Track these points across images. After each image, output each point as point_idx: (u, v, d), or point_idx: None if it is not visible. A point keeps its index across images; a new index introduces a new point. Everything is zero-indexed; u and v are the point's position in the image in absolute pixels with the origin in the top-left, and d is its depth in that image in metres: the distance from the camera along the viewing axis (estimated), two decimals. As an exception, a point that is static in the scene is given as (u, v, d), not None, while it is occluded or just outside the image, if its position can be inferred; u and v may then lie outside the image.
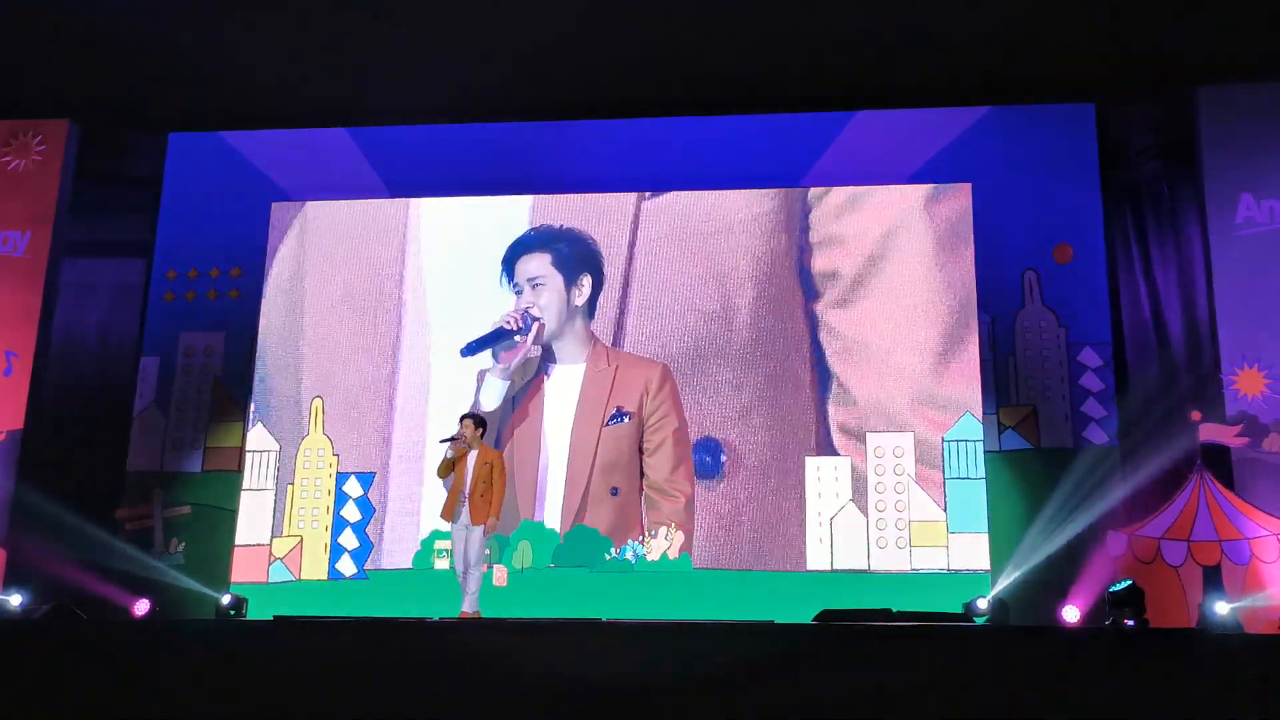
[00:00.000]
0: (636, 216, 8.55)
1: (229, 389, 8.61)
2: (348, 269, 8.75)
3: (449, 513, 6.78)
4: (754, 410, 8.14)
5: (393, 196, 8.85)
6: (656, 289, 8.42)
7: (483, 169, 8.80)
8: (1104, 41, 7.90)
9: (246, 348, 8.66)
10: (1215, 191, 7.93)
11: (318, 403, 8.55)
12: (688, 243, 8.47)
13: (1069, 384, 7.97)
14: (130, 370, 8.70)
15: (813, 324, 8.26)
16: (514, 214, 8.71)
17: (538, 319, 8.39)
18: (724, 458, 8.07)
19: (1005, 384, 8.04)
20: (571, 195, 8.65)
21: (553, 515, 8.14)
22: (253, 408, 8.56)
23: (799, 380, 8.16)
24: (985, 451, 7.92)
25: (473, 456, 6.79)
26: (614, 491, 8.11)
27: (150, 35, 8.06)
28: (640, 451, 8.16)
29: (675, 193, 8.58)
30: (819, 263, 8.35)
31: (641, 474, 8.14)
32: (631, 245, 8.49)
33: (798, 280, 8.33)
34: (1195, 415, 7.45)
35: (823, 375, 8.17)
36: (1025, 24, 7.82)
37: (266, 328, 8.69)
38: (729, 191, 8.52)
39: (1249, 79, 8.00)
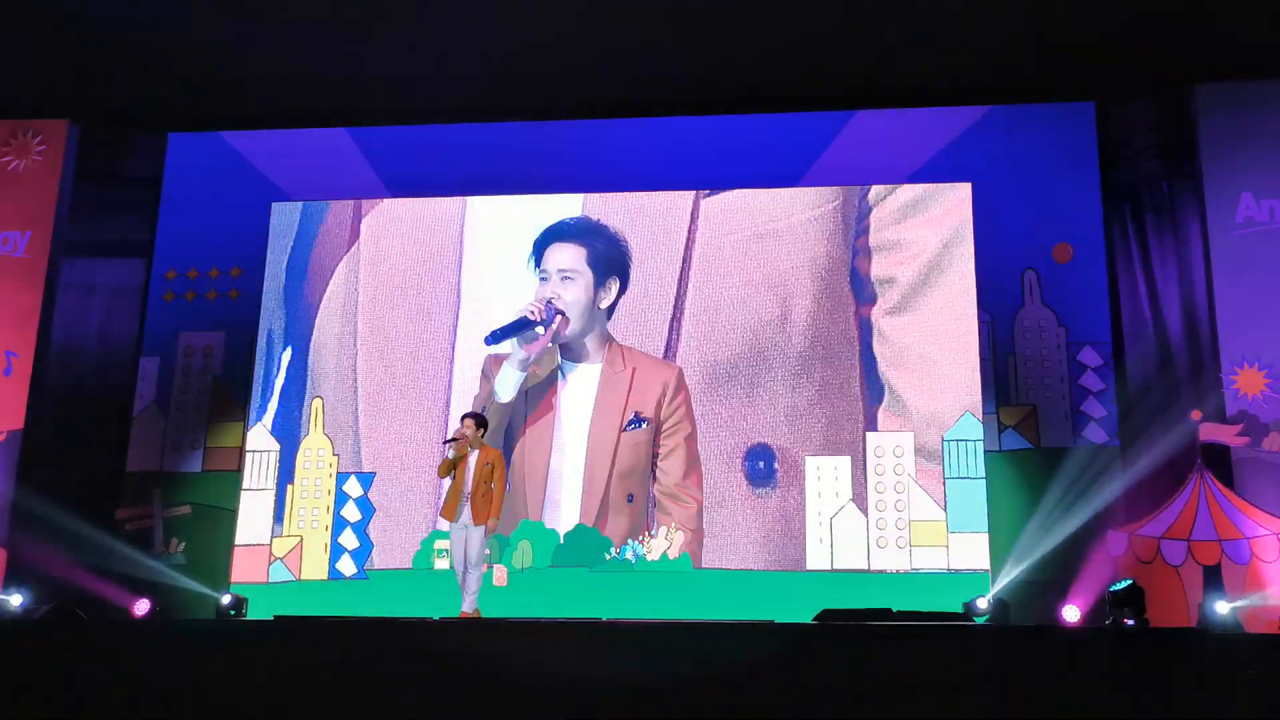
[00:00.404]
0: (694, 215, 8.42)
1: (229, 389, 8.61)
2: (404, 269, 8.65)
3: (450, 512, 6.77)
4: (806, 417, 8.07)
5: (393, 196, 8.85)
6: (713, 291, 8.28)
7: (483, 169, 8.80)
8: (1103, 40, 7.89)
9: (246, 348, 8.66)
10: (1215, 190, 7.92)
11: (317, 403, 8.55)
12: (746, 244, 8.34)
13: (1069, 383, 7.97)
14: (130, 370, 8.70)
15: (865, 330, 8.17)
16: (568, 211, 8.61)
17: (560, 312, 8.34)
18: (777, 465, 8.02)
19: (1005, 383, 8.04)
20: (630, 193, 8.55)
21: (569, 519, 8.11)
22: (271, 408, 8.56)
23: (850, 387, 8.07)
24: (985, 451, 7.92)
25: (474, 456, 6.77)
26: (630, 499, 8.09)
27: (150, 35, 8.07)
28: (654, 455, 8.13)
29: (734, 191, 8.45)
30: (876, 268, 8.24)
31: (653, 478, 8.12)
32: (688, 245, 8.38)
33: (850, 285, 8.24)
34: (1195, 414, 7.45)
35: (873, 383, 8.09)
36: (1025, 23, 7.82)
37: (321, 336, 8.60)
38: (786, 191, 8.38)
39: (1249, 76, 7.99)
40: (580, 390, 8.32)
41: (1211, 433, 7.40)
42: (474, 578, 6.68)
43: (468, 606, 6.66)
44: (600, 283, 8.42)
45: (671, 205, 8.54)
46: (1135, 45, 7.89)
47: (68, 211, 8.81)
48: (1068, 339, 8.04)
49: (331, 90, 8.69)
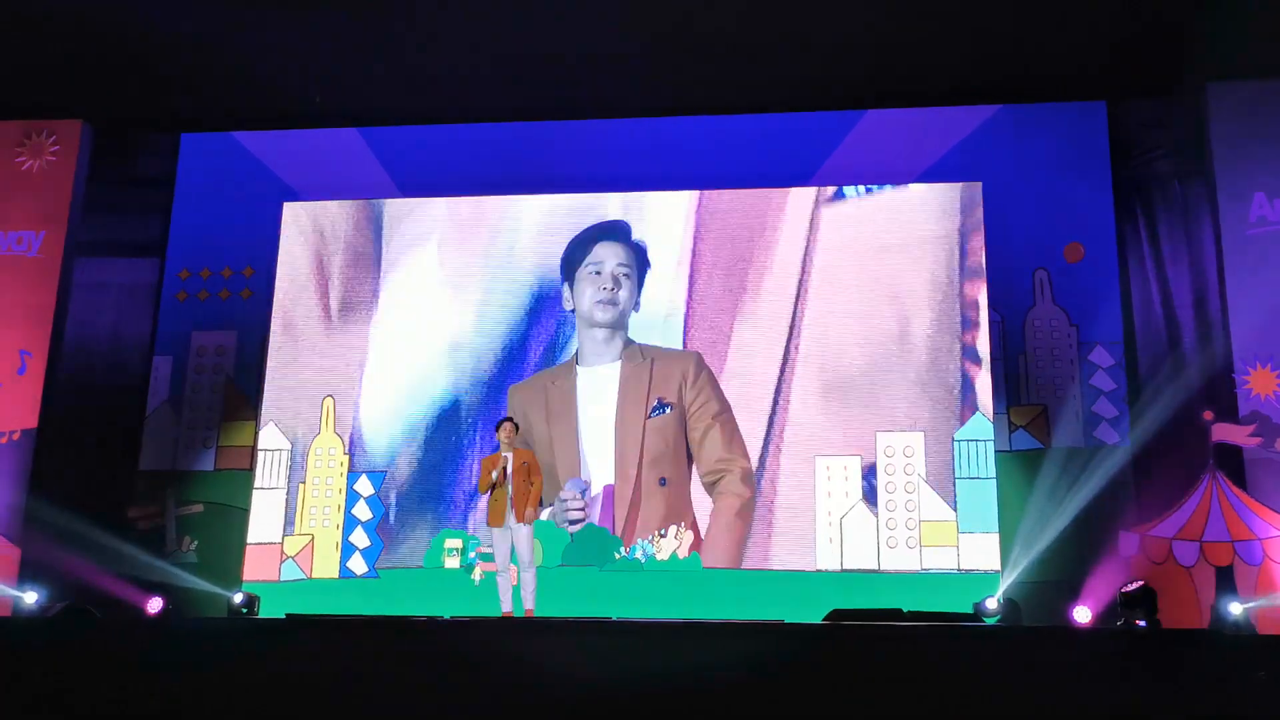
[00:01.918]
0: (813, 221, 8.39)
1: (241, 388, 8.65)
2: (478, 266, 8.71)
3: (498, 518, 6.80)
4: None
5: (404, 196, 8.87)
6: (830, 302, 8.25)
7: (492, 168, 8.82)
8: (1114, 38, 7.86)
9: (258, 347, 8.69)
10: (1228, 190, 7.89)
11: (328, 402, 8.58)
12: (864, 257, 8.30)
13: (1080, 383, 7.94)
14: (143, 369, 8.75)
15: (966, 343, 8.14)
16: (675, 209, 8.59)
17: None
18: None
19: (1016, 383, 8.02)
20: (742, 192, 8.54)
21: (603, 511, 8.13)
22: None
23: (951, 396, 8.05)
24: (996, 451, 7.90)
25: (509, 459, 6.82)
26: (662, 482, 8.14)
27: (163, 36, 8.10)
28: (686, 441, 8.15)
29: (852, 199, 8.42)
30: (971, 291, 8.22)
31: (690, 465, 8.13)
32: (806, 253, 8.34)
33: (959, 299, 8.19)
34: (1207, 415, 7.42)
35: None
36: (1035, 22, 7.79)
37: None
38: (904, 203, 8.31)
39: (1262, 75, 7.95)
40: (602, 388, 8.34)
41: (1223, 433, 7.37)
42: (530, 576, 6.74)
43: (529, 604, 6.70)
44: (640, 285, 8.45)
45: (793, 210, 8.44)
46: (1146, 44, 7.86)
47: (81, 211, 8.87)
48: (1079, 338, 8.02)
49: (343, 90, 8.71)
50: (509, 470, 6.78)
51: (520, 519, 6.76)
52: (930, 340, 8.16)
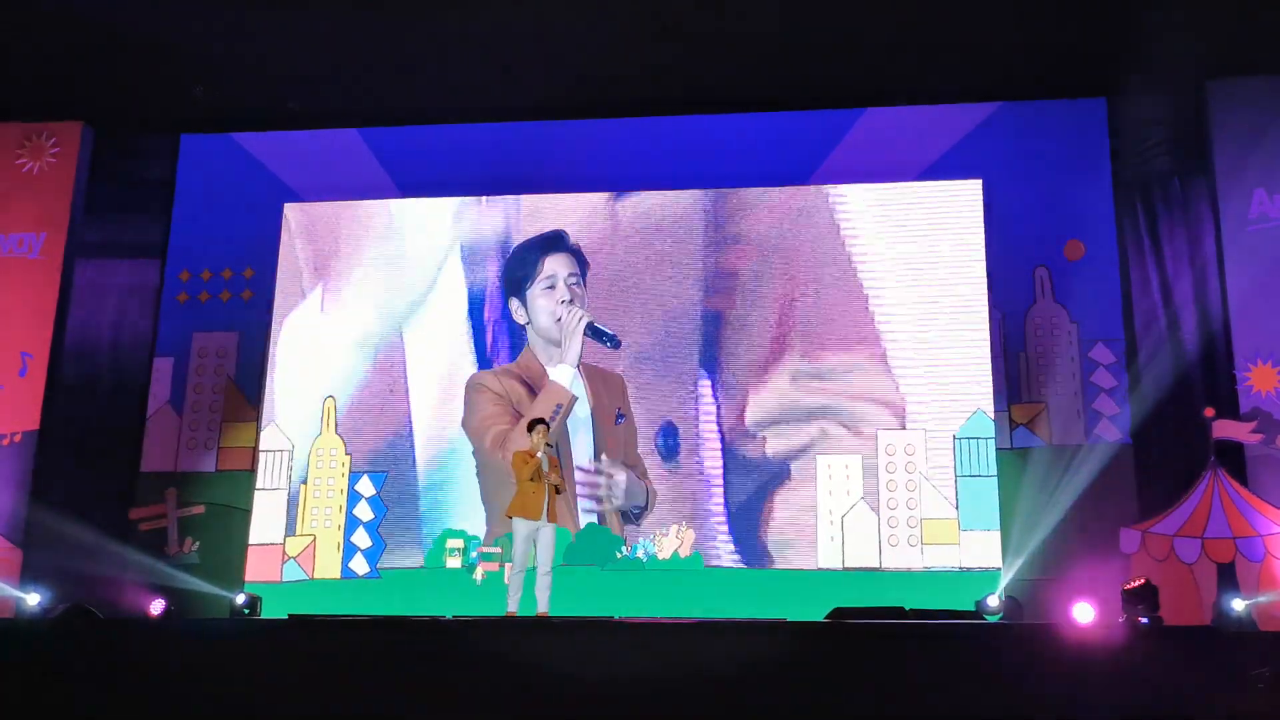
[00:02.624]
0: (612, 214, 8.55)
1: (242, 389, 8.66)
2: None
3: (535, 511, 6.70)
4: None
5: (404, 196, 8.88)
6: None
7: (492, 169, 8.83)
8: (1115, 35, 7.86)
9: (259, 348, 8.70)
10: (1228, 186, 7.88)
11: (330, 402, 8.59)
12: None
13: (1081, 380, 7.94)
14: (144, 371, 8.76)
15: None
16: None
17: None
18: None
19: (1016, 381, 8.02)
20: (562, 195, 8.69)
21: (588, 515, 8.19)
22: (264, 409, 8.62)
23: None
24: (997, 449, 7.90)
25: (545, 460, 6.79)
26: None
27: (163, 38, 8.11)
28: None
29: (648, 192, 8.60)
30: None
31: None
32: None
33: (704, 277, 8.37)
34: (1208, 411, 7.42)
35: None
36: (1036, 19, 7.79)
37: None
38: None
39: (1262, 72, 7.95)
40: (574, 391, 8.36)
41: (1224, 430, 7.37)
42: (548, 580, 6.66)
43: (544, 606, 6.64)
44: (583, 289, 8.50)
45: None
46: (1147, 41, 7.85)
47: (82, 213, 8.88)
48: (1079, 336, 8.02)
49: (343, 90, 8.72)
50: (545, 471, 6.77)
51: (552, 518, 6.73)
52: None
